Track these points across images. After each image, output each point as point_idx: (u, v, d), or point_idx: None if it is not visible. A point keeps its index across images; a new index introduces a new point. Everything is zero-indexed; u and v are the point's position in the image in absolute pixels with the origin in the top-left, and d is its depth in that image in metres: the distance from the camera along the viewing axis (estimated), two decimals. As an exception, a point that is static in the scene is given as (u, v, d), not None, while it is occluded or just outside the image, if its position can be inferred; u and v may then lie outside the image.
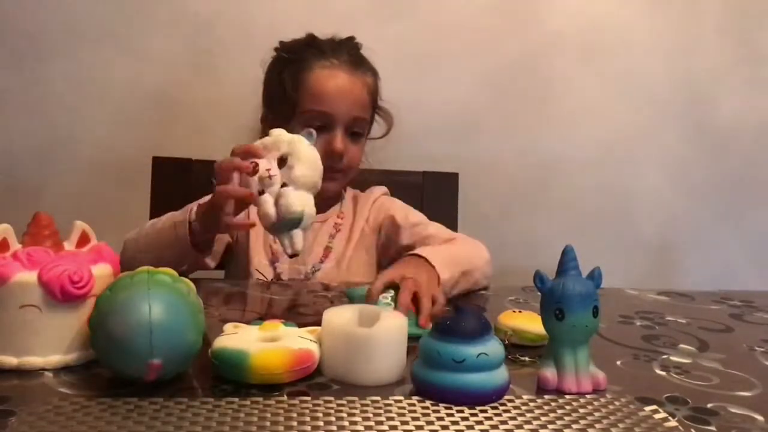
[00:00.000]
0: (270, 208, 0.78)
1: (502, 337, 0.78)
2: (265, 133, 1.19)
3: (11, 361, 0.64)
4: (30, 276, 0.64)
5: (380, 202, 1.27)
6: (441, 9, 1.55)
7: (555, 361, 0.65)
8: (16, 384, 0.61)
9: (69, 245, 0.72)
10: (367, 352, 0.64)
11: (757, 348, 0.82)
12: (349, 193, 1.29)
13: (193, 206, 1.00)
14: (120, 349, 0.59)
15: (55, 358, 0.65)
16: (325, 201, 1.21)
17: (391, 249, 1.22)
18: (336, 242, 1.22)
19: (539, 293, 0.66)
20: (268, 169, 0.79)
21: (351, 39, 1.22)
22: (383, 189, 1.29)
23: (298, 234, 0.79)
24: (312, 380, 0.64)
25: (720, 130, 1.72)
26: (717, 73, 1.70)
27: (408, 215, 1.22)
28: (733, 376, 0.71)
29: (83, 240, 0.73)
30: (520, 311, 0.82)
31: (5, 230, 0.67)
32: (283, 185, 0.79)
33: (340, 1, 1.52)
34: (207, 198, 0.95)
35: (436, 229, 1.19)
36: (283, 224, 0.78)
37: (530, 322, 0.77)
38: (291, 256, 0.80)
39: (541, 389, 0.65)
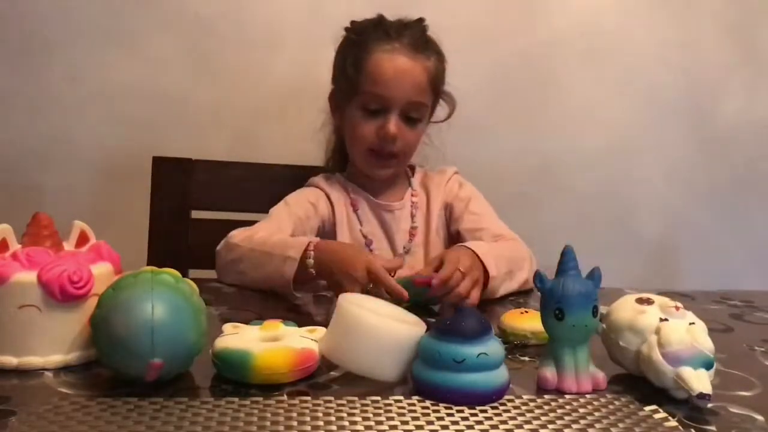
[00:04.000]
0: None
1: (519, 340, 0.78)
2: (334, 110, 1.25)
3: (11, 361, 0.64)
4: (29, 276, 0.64)
5: (453, 182, 1.27)
6: (440, 9, 1.54)
7: (555, 360, 0.65)
8: (16, 384, 0.61)
9: (68, 245, 0.72)
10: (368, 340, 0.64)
11: (757, 348, 0.82)
12: (418, 172, 1.29)
13: (310, 245, 0.98)
14: (121, 347, 0.59)
15: (55, 358, 0.65)
16: (396, 185, 1.25)
17: (451, 230, 1.24)
18: (418, 221, 1.23)
19: (539, 293, 0.66)
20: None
21: (419, 21, 1.20)
22: (454, 168, 1.30)
23: (705, 375, 0.63)
24: (312, 380, 0.65)
25: (720, 129, 1.72)
26: (717, 73, 1.70)
27: (471, 201, 1.23)
28: (733, 376, 0.71)
29: (82, 239, 0.73)
30: (526, 311, 0.82)
31: (5, 230, 0.67)
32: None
33: (339, 1, 1.52)
34: (329, 244, 1.00)
35: (490, 222, 1.20)
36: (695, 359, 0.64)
37: None
38: (699, 398, 0.61)
39: (541, 389, 0.65)
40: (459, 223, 1.22)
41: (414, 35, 1.18)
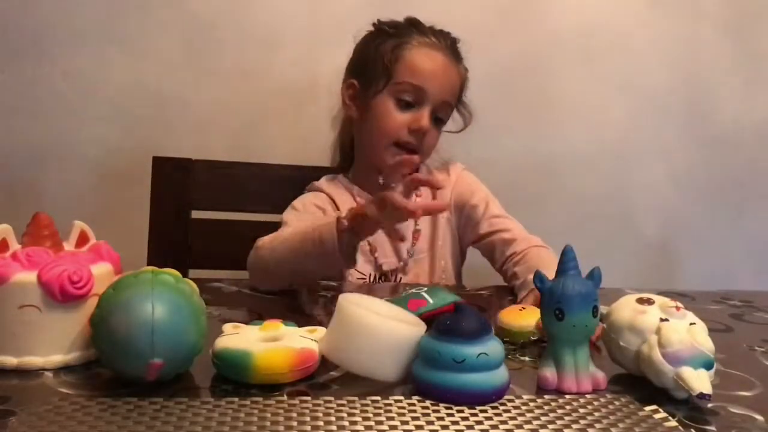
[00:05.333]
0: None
1: (525, 339, 0.78)
2: (350, 103, 1.22)
3: (11, 361, 0.64)
4: (29, 276, 0.64)
5: (462, 180, 1.25)
6: (440, 8, 1.54)
7: (555, 361, 0.65)
8: (16, 384, 0.61)
9: (68, 245, 0.72)
10: (369, 340, 0.64)
11: (757, 348, 0.82)
12: (422, 171, 1.25)
13: (332, 218, 0.95)
14: (121, 347, 0.59)
15: (55, 358, 0.65)
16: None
17: (468, 235, 1.23)
18: (422, 222, 1.22)
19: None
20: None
21: (449, 33, 1.22)
22: (459, 165, 1.28)
23: (705, 375, 0.63)
24: (312, 380, 0.65)
25: (720, 129, 1.72)
26: (717, 73, 1.70)
27: (489, 204, 1.21)
28: (733, 376, 0.71)
29: (82, 239, 0.73)
30: (523, 307, 0.82)
31: (5, 230, 0.67)
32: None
33: (340, 1, 1.52)
34: (354, 207, 0.96)
35: (513, 223, 1.19)
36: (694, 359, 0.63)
37: None
38: (699, 398, 0.61)
39: (541, 389, 0.65)
40: (480, 228, 1.20)
41: (452, 42, 1.20)
